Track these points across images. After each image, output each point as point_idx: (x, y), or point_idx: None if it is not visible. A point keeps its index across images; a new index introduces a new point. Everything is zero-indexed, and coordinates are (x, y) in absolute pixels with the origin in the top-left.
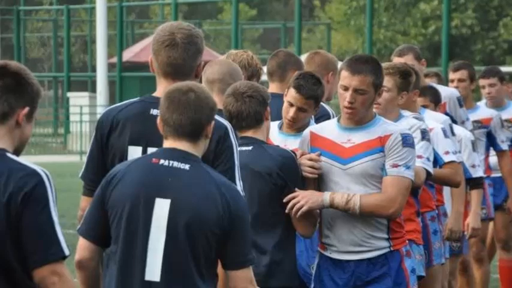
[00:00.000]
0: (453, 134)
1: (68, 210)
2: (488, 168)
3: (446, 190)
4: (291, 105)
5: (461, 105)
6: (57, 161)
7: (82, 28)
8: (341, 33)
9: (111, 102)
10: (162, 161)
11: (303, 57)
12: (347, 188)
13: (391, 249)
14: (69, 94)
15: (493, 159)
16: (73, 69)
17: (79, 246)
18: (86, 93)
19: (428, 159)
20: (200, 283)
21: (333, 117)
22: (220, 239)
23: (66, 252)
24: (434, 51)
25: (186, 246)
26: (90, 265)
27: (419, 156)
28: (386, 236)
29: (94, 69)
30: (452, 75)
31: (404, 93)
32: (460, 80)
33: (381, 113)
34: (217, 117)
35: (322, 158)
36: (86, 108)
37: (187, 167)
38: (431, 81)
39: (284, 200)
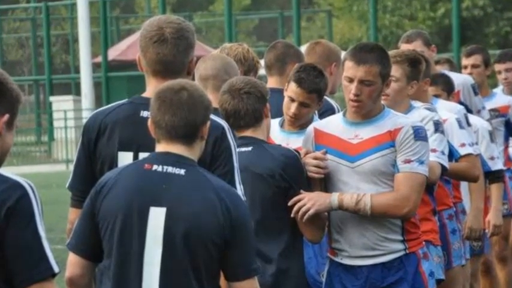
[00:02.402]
0: (469, 124)
1: (56, 224)
2: (508, 160)
3: (463, 185)
4: (292, 100)
5: (476, 93)
6: (42, 171)
7: (63, 26)
8: (343, 21)
9: (98, 105)
10: (155, 167)
11: (303, 48)
12: (356, 188)
13: (407, 251)
14: (51, 98)
15: None
16: (55, 71)
17: (69, 262)
18: (70, 97)
19: (443, 152)
20: None
21: (338, 111)
22: (222, 249)
23: (56, 269)
24: (444, 35)
25: (185, 257)
26: (82, 282)
27: (433, 150)
28: (401, 237)
29: (78, 71)
30: (465, 61)
31: (414, 82)
32: (473, 66)
33: (390, 105)
34: (213, 116)
35: (328, 156)
36: (70, 113)
37: (182, 171)
38: (442, 69)
39: (289, 204)
